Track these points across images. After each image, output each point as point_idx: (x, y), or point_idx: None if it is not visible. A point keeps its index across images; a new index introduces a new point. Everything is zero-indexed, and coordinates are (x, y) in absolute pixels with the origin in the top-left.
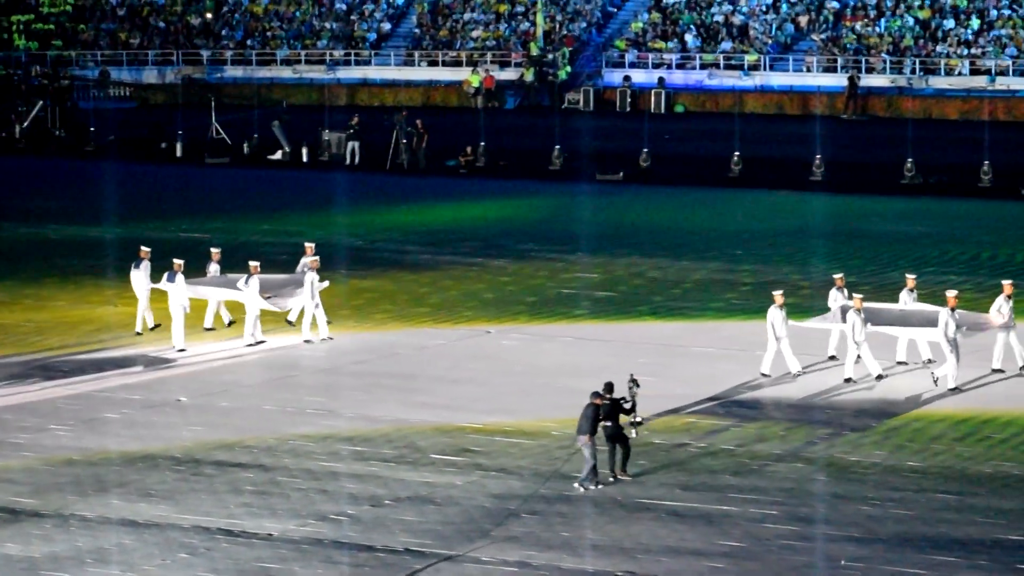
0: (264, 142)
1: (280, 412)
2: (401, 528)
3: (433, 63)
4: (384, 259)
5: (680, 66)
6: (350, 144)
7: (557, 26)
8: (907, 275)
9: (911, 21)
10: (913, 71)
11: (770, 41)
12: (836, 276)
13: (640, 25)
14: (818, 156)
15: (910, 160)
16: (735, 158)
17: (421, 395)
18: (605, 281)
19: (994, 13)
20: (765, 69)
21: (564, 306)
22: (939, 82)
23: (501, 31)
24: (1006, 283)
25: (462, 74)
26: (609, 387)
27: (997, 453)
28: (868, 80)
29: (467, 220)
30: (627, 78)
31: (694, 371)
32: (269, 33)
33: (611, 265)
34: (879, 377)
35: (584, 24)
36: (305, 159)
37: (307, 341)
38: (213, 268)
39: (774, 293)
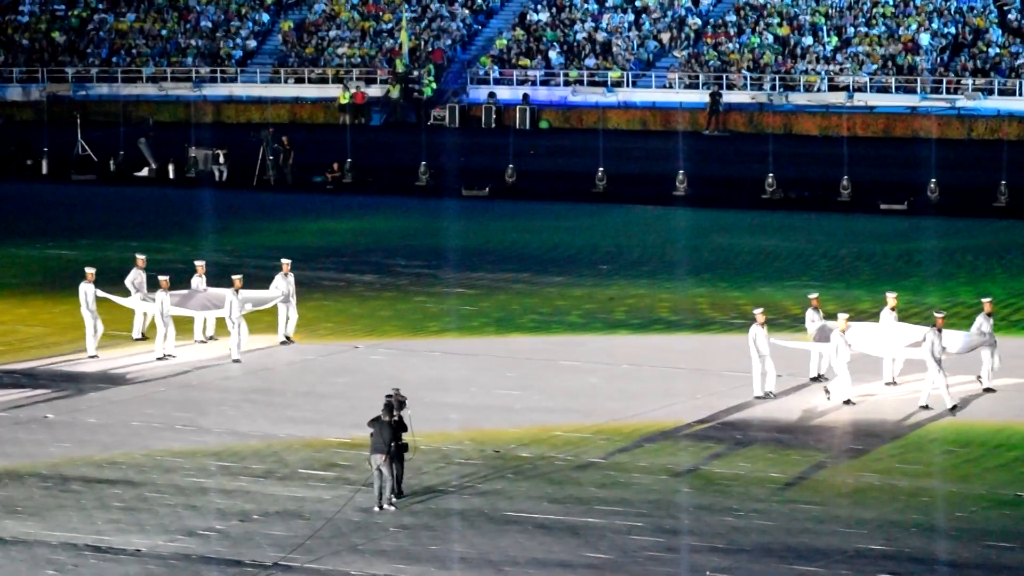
0: (130, 159)
1: (148, 428)
2: (270, 543)
3: (299, 80)
4: (251, 275)
5: (544, 83)
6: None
7: (422, 43)
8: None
9: (771, 38)
10: (773, 87)
11: (633, 58)
12: (812, 296)
13: (504, 42)
14: (681, 171)
15: (771, 175)
16: (599, 173)
17: (289, 410)
18: (471, 296)
19: (852, 30)
20: (628, 86)
21: (431, 321)
22: (798, 98)
23: (366, 48)
24: (985, 300)
25: (328, 91)
26: (401, 403)
27: (859, 465)
28: (729, 96)
29: (334, 236)
30: (492, 95)
31: (560, 385)
32: (135, 50)
33: (477, 280)
34: (847, 402)
35: (449, 41)
36: (172, 176)
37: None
38: (196, 281)
39: (755, 311)
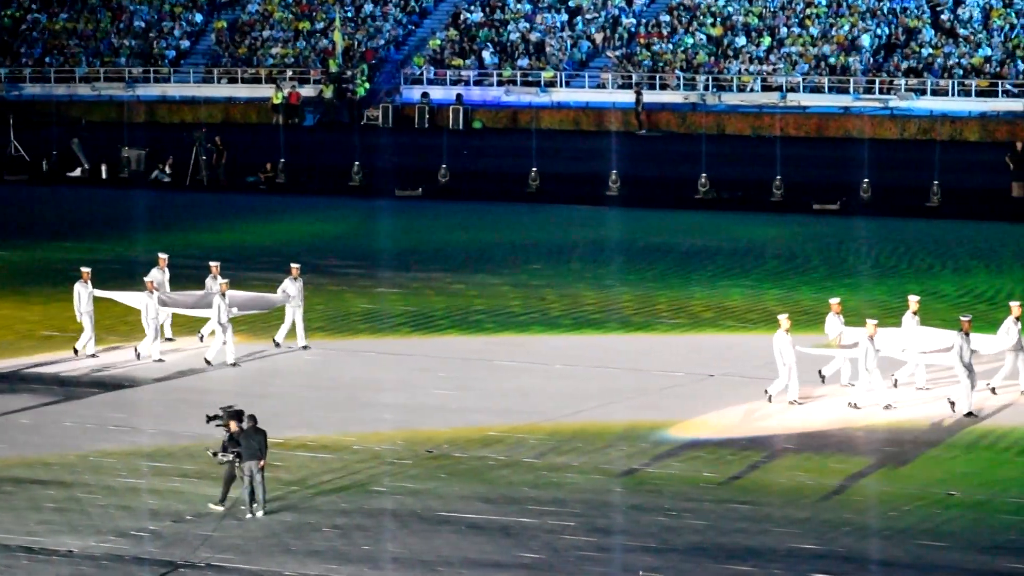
0: (63, 159)
1: (80, 429)
2: (202, 543)
3: (233, 80)
4: (185, 276)
5: (478, 83)
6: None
7: (356, 43)
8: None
9: (704, 39)
10: (706, 87)
11: (566, 58)
12: (833, 301)
13: (438, 42)
14: (614, 171)
15: (704, 175)
16: (532, 173)
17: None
18: (406, 296)
19: (785, 31)
20: (561, 86)
21: (366, 321)
22: (731, 98)
23: (300, 48)
24: (1014, 304)
25: (261, 91)
26: (237, 415)
27: (793, 465)
28: (662, 96)
29: (268, 236)
30: (425, 95)
31: (495, 385)
32: (68, 50)
33: (412, 280)
34: (887, 407)
35: (383, 41)
36: (104, 176)
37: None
38: (210, 282)
39: (779, 317)
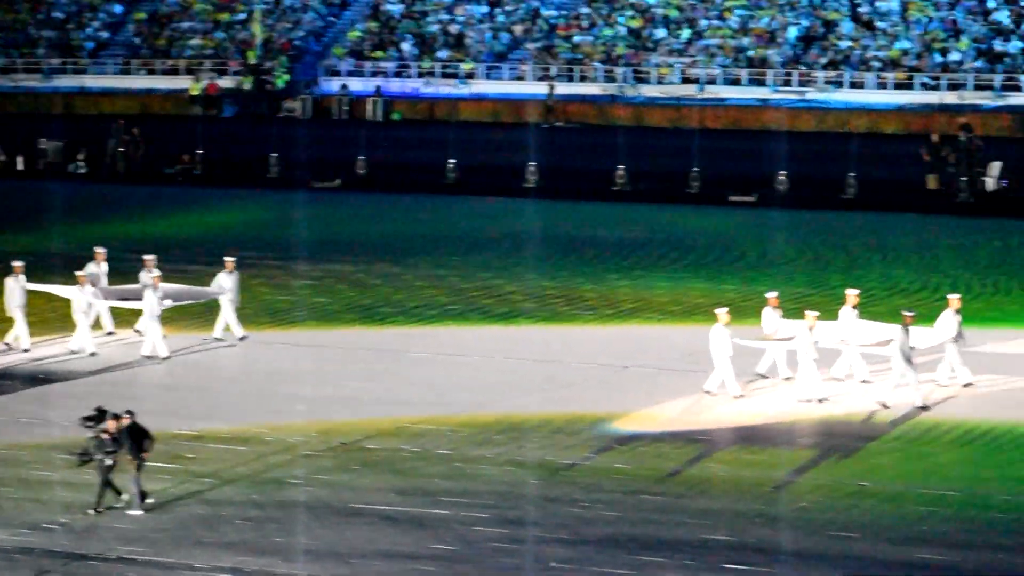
0: None
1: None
2: (114, 536)
3: (151, 71)
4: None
5: (397, 74)
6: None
7: (275, 35)
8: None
9: (623, 31)
10: (625, 79)
11: (486, 50)
12: (770, 296)
13: (358, 34)
14: (532, 163)
15: (621, 167)
16: (451, 165)
17: (136, 402)
18: (322, 287)
19: (704, 23)
20: (481, 77)
21: (281, 313)
22: (650, 90)
23: (218, 39)
24: (952, 297)
25: (180, 82)
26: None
27: (706, 456)
28: (581, 88)
29: (185, 228)
30: (344, 86)
31: (409, 376)
32: None
33: (328, 271)
34: (820, 401)
35: (302, 33)
36: (21, 167)
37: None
38: (143, 276)
39: (717, 311)
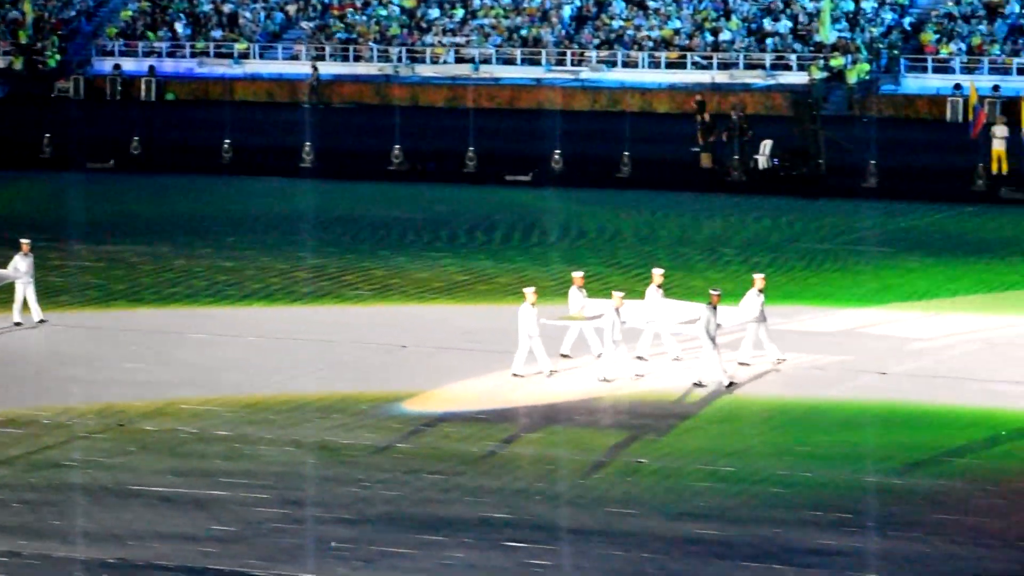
0: None
1: None
2: None
3: None
4: None
5: (171, 54)
6: None
7: (46, 14)
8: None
9: (397, 11)
10: (400, 59)
11: (259, 30)
12: (576, 275)
13: (130, 14)
14: (308, 143)
15: (398, 147)
16: (226, 145)
17: None
18: (97, 269)
19: (478, 3)
20: (255, 57)
21: (55, 294)
22: (425, 70)
23: None
24: (757, 276)
25: None
26: None
27: (485, 434)
28: (356, 68)
29: None
30: (117, 66)
31: (186, 357)
32: None
33: (103, 253)
34: (631, 378)
35: (74, 12)
36: None
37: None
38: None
39: (525, 290)
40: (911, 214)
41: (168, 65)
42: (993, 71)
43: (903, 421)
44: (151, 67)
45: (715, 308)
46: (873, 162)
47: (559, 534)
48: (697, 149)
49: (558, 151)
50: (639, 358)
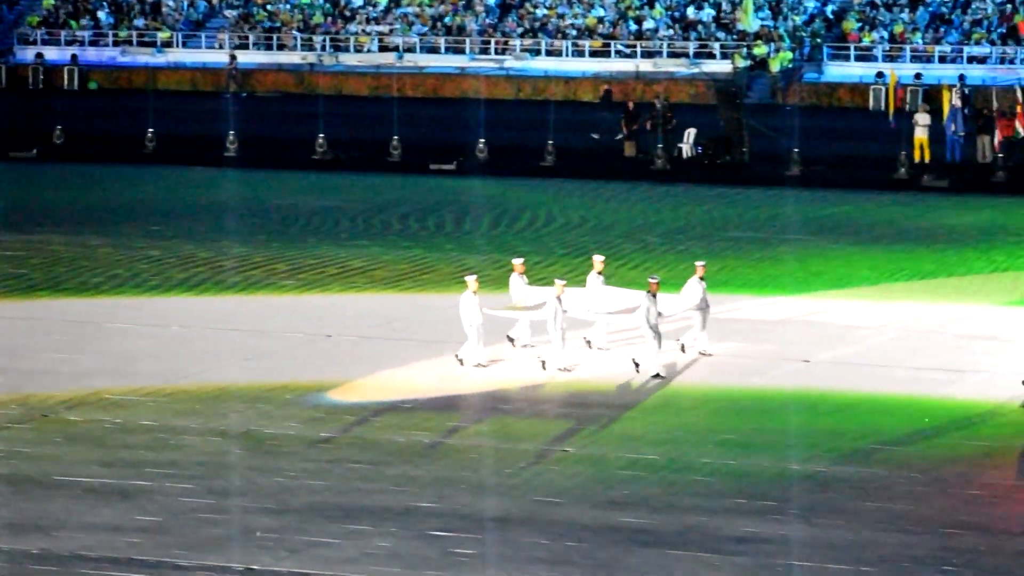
0: None
1: None
2: None
3: None
4: None
5: (93, 43)
6: None
7: None
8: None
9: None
10: (323, 48)
11: (182, 18)
12: (516, 262)
13: (52, 2)
14: (232, 132)
15: (321, 136)
16: (150, 135)
17: None
18: (17, 259)
19: None
20: (178, 46)
21: None
22: (349, 59)
23: None
24: (698, 264)
25: None
26: None
27: (408, 422)
28: (279, 57)
29: None
30: (40, 55)
31: (110, 347)
32: None
33: (25, 243)
34: (563, 369)
35: None
36: None
37: None
38: None
39: (467, 279)
40: (834, 202)
41: (91, 54)
42: (915, 59)
43: (827, 409)
44: (74, 56)
45: (655, 296)
46: (796, 150)
47: (484, 523)
48: (596, 135)
49: (482, 140)
50: (598, 347)
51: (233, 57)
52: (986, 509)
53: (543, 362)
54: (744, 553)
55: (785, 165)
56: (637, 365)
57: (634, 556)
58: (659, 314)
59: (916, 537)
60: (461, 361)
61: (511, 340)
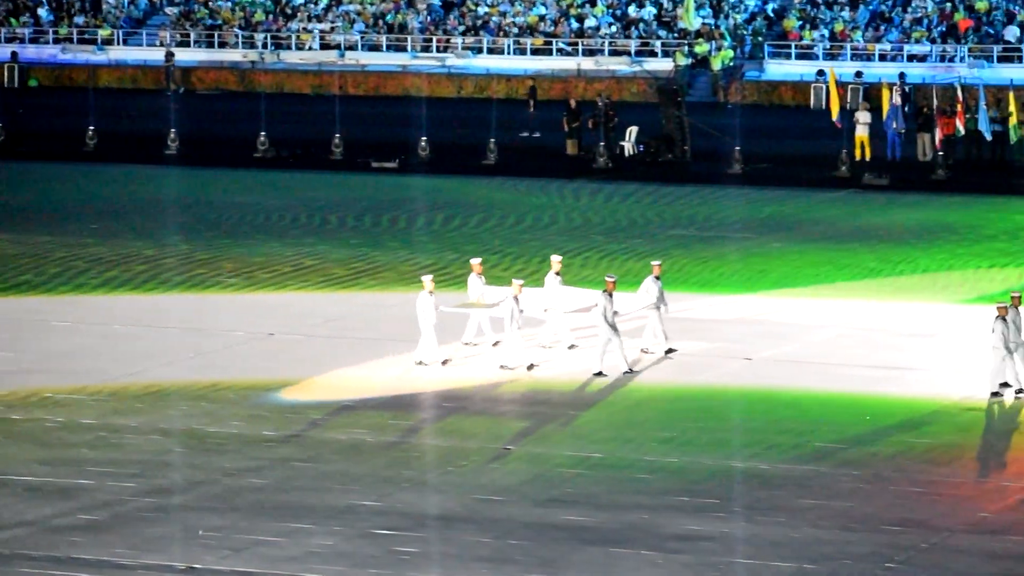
0: None
1: None
2: None
3: None
4: None
5: (33, 40)
6: None
7: None
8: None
9: None
10: (265, 46)
11: (123, 15)
12: (474, 262)
13: None
14: (172, 130)
15: (263, 134)
16: (90, 132)
17: None
18: None
19: None
20: (119, 44)
21: None
22: (290, 56)
23: None
24: (654, 263)
25: None
26: None
27: (351, 421)
28: (221, 55)
29: None
30: None
31: (51, 346)
32: None
33: None
34: (530, 367)
35: None
36: None
37: None
38: None
39: (423, 278)
40: (775, 200)
41: (31, 51)
42: (856, 57)
43: (770, 407)
44: (13, 53)
45: (611, 295)
46: (738, 148)
47: (427, 521)
48: (526, 133)
49: (425, 138)
50: (541, 346)
51: (170, 55)
52: (927, 506)
53: (503, 363)
54: (686, 551)
55: (727, 163)
56: (600, 374)
57: (577, 554)
58: (615, 312)
59: (857, 534)
60: (422, 363)
61: (468, 346)
